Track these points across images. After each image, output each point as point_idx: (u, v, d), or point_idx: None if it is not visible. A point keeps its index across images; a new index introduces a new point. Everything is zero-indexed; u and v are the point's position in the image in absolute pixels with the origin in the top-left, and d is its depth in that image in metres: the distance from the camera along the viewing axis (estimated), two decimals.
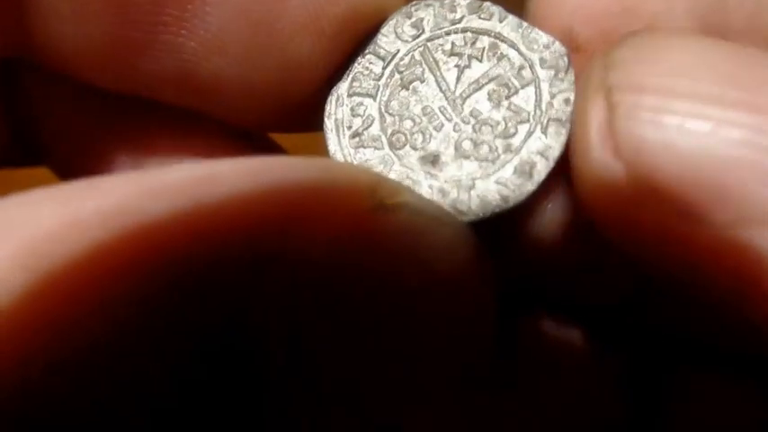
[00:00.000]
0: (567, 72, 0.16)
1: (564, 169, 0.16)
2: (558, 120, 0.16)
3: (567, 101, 0.16)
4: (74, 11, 0.16)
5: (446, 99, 0.17)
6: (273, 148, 0.20)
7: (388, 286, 0.13)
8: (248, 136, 0.19)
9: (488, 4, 0.17)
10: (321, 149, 0.18)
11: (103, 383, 0.11)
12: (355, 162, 0.16)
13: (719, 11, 0.17)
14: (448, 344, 0.15)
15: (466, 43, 0.17)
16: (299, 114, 0.18)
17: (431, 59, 0.17)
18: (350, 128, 0.17)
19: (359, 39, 0.17)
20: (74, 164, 0.19)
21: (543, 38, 0.17)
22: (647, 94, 0.13)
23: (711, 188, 0.13)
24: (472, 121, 0.16)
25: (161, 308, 0.11)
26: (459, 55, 0.17)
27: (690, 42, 0.14)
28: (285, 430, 0.13)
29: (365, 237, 0.12)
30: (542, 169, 0.16)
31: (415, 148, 0.16)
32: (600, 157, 0.14)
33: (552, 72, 0.16)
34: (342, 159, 0.16)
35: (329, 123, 0.17)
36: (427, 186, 0.16)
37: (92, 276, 0.10)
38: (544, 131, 0.16)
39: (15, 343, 0.10)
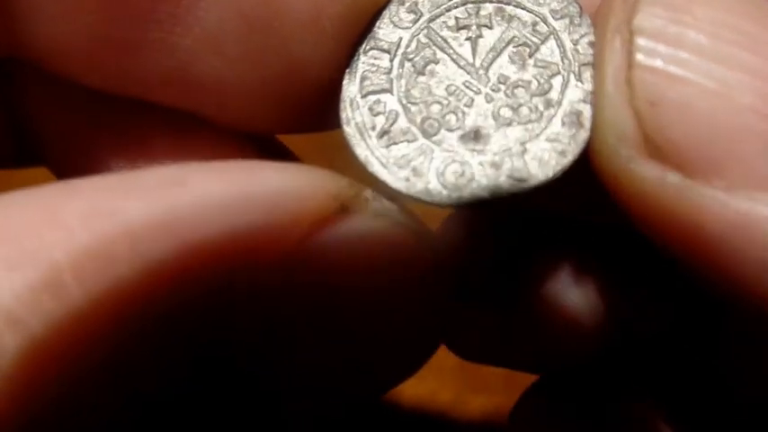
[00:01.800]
0: (581, 17, 0.16)
1: None
2: (588, 63, 0.16)
3: (591, 43, 0.16)
4: (63, 8, 0.16)
5: (468, 73, 0.16)
6: (277, 150, 0.20)
7: (350, 287, 0.13)
8: (250, 137, 0.19)
9: None
10: (329, 148, 0.17)
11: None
12: (392, 161, 0.15)
13: None
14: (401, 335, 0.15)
15: (470, 14, 0.16)
16: (302, 115, 0.17)
17: (438, 39, 0.16)
18: (374, 128, 0.16)
19: (359, 35, 0.17)
20: (71, 166, 0.19)
21: None
22: (668, 46, 0.13)
23: (716, 151, 0.13)
24: (502, 87, 0.16)
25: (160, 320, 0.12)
26: (467, 27, 0.16)
27: None
28: (267, 411, 0.14)
29: (327, 241, 0.12)
30: (589, 115, 0.15)
31: (451, 130, 0.15)
32: (613, 103, 0.14)
33: (567, 20, 0.16)
34: (375, 163, 0.15)
35: (350, 129, 0.16)
36: (477, 164, 0.15)
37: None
38: (579, 78, 0.16)
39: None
